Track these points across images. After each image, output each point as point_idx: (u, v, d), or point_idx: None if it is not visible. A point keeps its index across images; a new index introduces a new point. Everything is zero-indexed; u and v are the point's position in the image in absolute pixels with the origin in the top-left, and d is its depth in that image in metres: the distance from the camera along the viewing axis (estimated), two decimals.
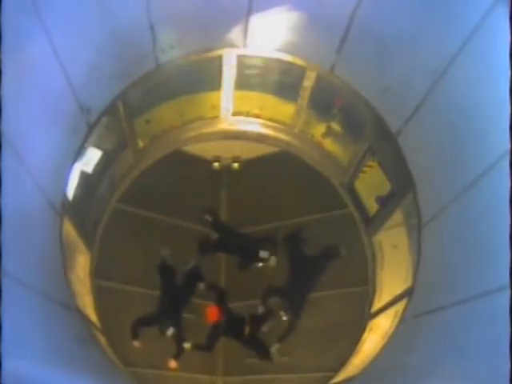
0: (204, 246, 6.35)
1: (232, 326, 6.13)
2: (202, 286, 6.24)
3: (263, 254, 6.27)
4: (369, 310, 6.05)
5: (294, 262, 6.31)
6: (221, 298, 6.20)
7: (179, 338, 5.98)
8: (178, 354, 5.94)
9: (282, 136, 6.55)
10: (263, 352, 6.08)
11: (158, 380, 6.00)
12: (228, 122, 6.49)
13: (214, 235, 6.44)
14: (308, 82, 5.76)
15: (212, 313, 6.08)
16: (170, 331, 5.93)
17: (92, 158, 5.38)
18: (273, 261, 6.28)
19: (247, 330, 6.11)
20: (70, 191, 5.05)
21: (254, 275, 6.37)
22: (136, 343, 5.83)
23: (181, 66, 5.48)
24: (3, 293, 2.87)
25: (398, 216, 5.61)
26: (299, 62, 5.48)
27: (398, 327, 5.03)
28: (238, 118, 6.49)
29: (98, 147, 5.43)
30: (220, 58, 5.58)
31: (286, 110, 6.33)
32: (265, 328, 6.14)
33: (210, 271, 6.39)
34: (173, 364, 5.91)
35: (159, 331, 5.96)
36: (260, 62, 5.75)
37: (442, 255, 4.60)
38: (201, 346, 6.08)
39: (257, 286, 6.31)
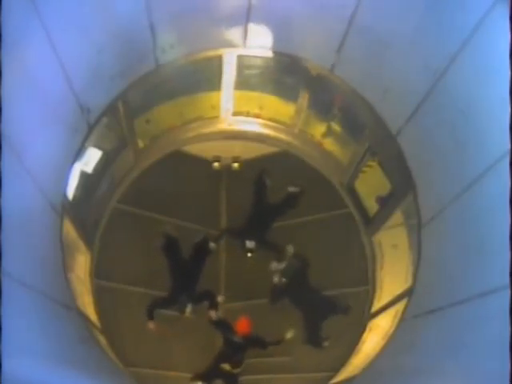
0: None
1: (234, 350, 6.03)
2: (212, 245, 6.16)
3: (249, 244, 6.27)
4: (369, 310, 6.04)
5: (257, 206, 6.35)
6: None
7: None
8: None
9: (282, 136, 6.54)
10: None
11: (158, 380, 5.99)
12: (228, 122, 6.49)
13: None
14: (308, 82, 5.76)
15: (242, 325, 5.91)
16: (189, 309, 5.90)
17: (92, 157, 5.38)
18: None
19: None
20: (70, 191, 5.04)
21: (255, 275, 6.37)
22: (151, 324, 5.81)
23: (181, 66, 5.48)
24: (3, 293, 2.87)
25: (397, 216, 5.61)
26: (299, 62, 5.48)
27: (397, 327, 5.03)
28: (238, 118, 6.49)
29: (98, 147, 5.43)
30: (220, 58, 5.58)
31: (286, 110, 6.33)
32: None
33: (210, 271, 6.38)
34: None
35: (178, 312, 5.93)
36: (260, 62, 5.76)
37: (442, 255, 4.60)
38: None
39: (257, 286, 6.31)
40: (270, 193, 6.40)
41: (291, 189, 6.38)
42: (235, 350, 5.92)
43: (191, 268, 6.09)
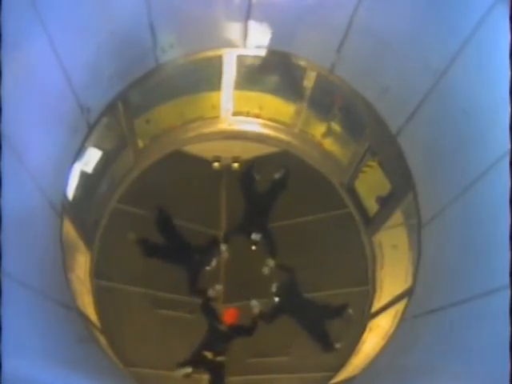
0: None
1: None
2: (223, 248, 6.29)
3: (255, 236, 6.31)
4: (369, 310, 6.04)
5: (248, 199, 6.43)
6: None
7: None
8: None
9: (282, 136, 6.54)
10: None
11: (158, 380, 5.99)
12: (228, 122, 6.49)
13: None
14: (308, 82, 5.77)
15: (230, 315, 6.02)
16: (214, 261, 6.14)
17: (92, 157, 5.38)
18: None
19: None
20: (70, 191, 5.04)
21: (254, 275, 6.37)
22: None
23: (181, 66, 5.48)
24: (3, 293, 2.88)
25: (397, 216, 5.61)
26: (299, 62, 5.49)
27: (398, 327, 5.03)
28: (237, 118, 6.49)
29: (98, 147, 5.43)
30: (220, 58, 5.58)
31: (286, 110, 6.33)
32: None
33: (209, 271, 6.38)
34: None
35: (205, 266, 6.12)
36: (260, 62, 5.75)
37: (442, 255, 4.60)
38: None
39: (257, 287, 6.31)
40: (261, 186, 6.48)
41: (277, 175, 6.45)
42: (219, 338, 5.98)
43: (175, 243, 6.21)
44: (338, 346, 6.01)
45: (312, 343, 6.07)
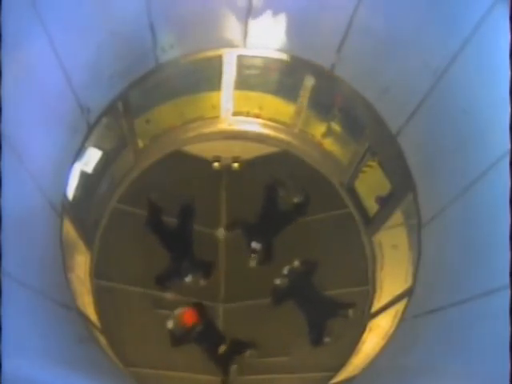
0: None
1: (208, 339, 6.08)
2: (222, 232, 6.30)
3: (255, 245, 6.29)
4: (369, 310, 6.04)
5: (267, 209, 6.41)
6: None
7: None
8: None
9: (282, 136, 6.54)
10: (223, 367, 6.07)
11: (158, 380, 5.99)
12: (228, 122, 6.49)
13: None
14: (308, 82, 5.76)
15: (189, 315, 6.02)
16: (189, 278, 6.07)
17: (92, 157, 5.38)
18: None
19: (222, 349, 6.04)
20: (70, 191, 5.04)
21: (255, 275, 6.37)
22: (169, 295, 6.00)
23: (181, 66, 5.47)
24: (3, 293, 2.88)
25: (397, 216, 5.61)
26: (299, 62, 5.48)
27: (398, 327, 5.03)
28: (237, 118, 6.48)
29: (98, 147, 5.42)
30: (220, 58, 5.58)
31: (286, 110, 6.32)
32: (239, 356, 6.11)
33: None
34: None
35: (179, 279, 6.08)
36: (260, 62, 5.75)
37: (442, 255, 4.60)
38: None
39: (257, 287, 6.31)
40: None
41: (296, 199, 6.40)
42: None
43: (181, 234, 6.22)
44: (326, 339, 6.03)
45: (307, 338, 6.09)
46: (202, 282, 6.18)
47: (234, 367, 6.06)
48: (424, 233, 4.93)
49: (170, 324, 5.92)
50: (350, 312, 6.04)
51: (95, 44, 4.45)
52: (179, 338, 5.99)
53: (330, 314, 6.11)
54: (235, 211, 6.60)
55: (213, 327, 6.15)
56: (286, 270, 6.26)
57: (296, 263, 6.24)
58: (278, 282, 6.24)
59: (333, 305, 6.12)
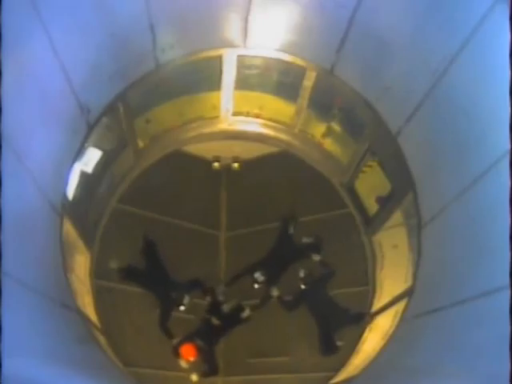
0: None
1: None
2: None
3: (259, 277, 6.28)
4: (369, 310, 6.05)
5: (280, 242, 6.39)
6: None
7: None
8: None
9: (282, 136, 6.55)
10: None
11: (158, 380, 6.00)
12: (228, 122, 6.49)
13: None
14: (308, 82, 5.76)
15: (187, 351, 5.97)
16: (187, 300, 6.06)
17: (92, 157, 5.38)
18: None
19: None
20: (70, 191, 5.04)
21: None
22: (175, 341, 5.97)
23: (181, 66, 5.47)
24: (3, 293, 2.87)
25: (397, 216, 5.61)
26: (299, 61, 5.48)
27: (397, 327, 5.03)
28: (238, 118, 6.49)
29: (98, 147, 5.42)
30: (220, 57, 5.58)
31: (286, 110, 6.33)
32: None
33: (209, 271, 6.39)
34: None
35: (178, 307, 6.05)
36: (260, 62, 5.75)
37: (442, 255, 4.60)
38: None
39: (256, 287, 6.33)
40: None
41: (305, 239, 6.41)
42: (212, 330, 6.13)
43: (154, 271, 6.19)
44: (339, 343, 6.02)
45: (313, 343, 6.08)
46: (208, 299, 6.15)
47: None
48: (424, 233, 4.93)
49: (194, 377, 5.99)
50: (361, 322, 5.99)
51: (95, 44, 4.45)
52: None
53: (340, 324, 6.09)
54: (235, 211, 6.61)
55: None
56: (302, 273, 6.26)
57: (315, 257, 6.25)
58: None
59: (344, 315, 6.09)
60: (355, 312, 6.05)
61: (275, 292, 6.23)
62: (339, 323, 6.10)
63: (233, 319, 6.10)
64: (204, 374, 6.03)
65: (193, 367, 6.02)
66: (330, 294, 6.18)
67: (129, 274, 6.06)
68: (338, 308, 6.13)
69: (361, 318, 5.99)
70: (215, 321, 6.06)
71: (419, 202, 5.00)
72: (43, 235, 4.42)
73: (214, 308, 6.12)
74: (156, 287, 6.08)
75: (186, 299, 6.03)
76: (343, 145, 6.26)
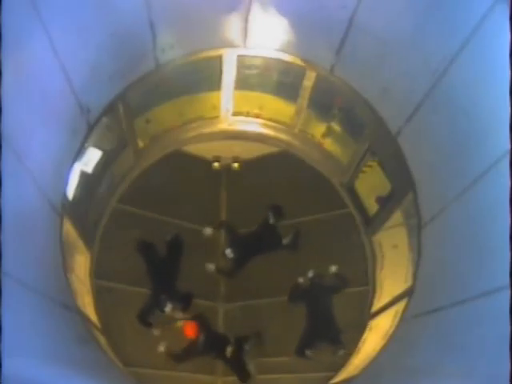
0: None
1: (213, 346, 6.05)
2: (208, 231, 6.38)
3: (228, 252, 6.31)
4: (369, 310, 6.04)
5: (260, 228, 6.41)
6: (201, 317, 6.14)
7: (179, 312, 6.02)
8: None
9: (282, 136, 6.54)
10: (241, 371, 6.03)
11: (158, 380, 5.99)
12: (228, 122, 6.49)
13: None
14: (308, 82, 5.76)
15: (190, 328, 5.99)
16: (168, 308, 5.97)
17: (92, 157, 5.38)
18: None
19: (230, 351, 6.00)
20: (70, 191, 5.04)
21: (254, 275, 6.37)
22: (155, 331, 5.93)
23: (181, 66, 5.47)
24: (3, 293, 2.87)
25: (397, 216, 5.61)
26: (299, 62, 5.48)
27: (398, 327, 5.03)
28: (238, 118, 6.49)
29: (98, 147, 5.42)
30: (220, 57, 5.58)
31: (286, 110, 6.33)
32: (247, 347, 6.06)
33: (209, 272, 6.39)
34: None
35: (159, 311, 5.98)
36: (260, 62, 5.75)
37: (442, 255, 4.60)
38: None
39: (256, 287, 6.32)
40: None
41: (284, 241, 6.40)
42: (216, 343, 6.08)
43: (168, 267, 6.15)
44: (308, 353, 6.03)
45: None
46: (181, 316, 6.06)
47: (252, 365, 6.02)
48: (424, 233, 4.93)
49: (161, 347, 5.90)
50: (341, 352, 5.95)
51: (95, 44, 4.45)
52: (183, 355, 5.97)
53: (325, 336, 6.09)
54: (235, 211, 6.61)
55: (214, 333, 6.12)
56: (311, 273, 6.26)
57: (332, 269, 6.23)
58: (300, 280, 6.26)
59: (334, 331, 6.07)
60: (342, 336, 6.02)
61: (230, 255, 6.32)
62: (323, 338, 6.07)
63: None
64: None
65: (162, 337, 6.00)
66: (332, 308, 6.14)
67: (147, 250, 6.09)
68: (332, 324, 6.09)
69: (340, 344, 5.97)
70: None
71: (419, 202, 5.00)
72: (43, 235, 4.42)
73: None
74: (157, 280, 6.07)
75: (168, 307, 5.96)
76: (343, 145, 6.25)
